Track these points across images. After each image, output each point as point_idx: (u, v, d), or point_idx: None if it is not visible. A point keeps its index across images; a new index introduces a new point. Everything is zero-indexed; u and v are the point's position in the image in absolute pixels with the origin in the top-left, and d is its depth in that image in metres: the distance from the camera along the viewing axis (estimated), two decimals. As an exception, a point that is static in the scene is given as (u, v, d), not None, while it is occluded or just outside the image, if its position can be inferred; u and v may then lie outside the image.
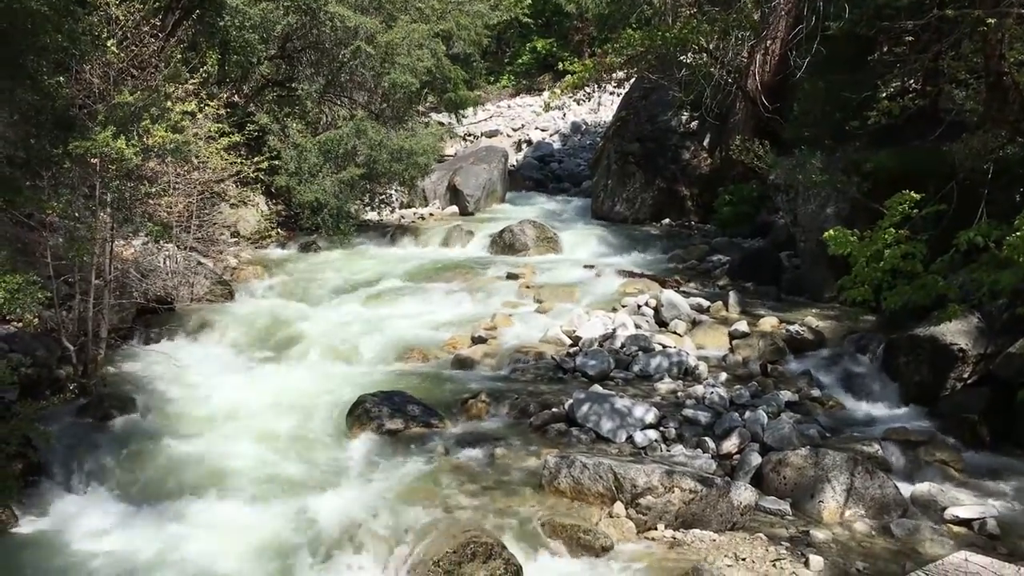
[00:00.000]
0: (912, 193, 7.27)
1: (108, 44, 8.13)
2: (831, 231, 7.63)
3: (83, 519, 6.33)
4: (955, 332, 8.31)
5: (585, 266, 13.53)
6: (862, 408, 8.60)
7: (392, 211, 17.68)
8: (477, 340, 9.99)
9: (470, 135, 27.44)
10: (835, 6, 11.73)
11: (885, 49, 10.38)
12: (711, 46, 15.48)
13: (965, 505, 6.47)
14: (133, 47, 8.65)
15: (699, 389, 8.52)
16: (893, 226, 7.24)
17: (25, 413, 5.96)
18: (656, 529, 6.11)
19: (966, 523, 6.30)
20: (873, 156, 10.52)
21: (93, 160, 7.78)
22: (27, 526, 6.21)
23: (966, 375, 8.31)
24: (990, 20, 7.86)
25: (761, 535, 6.04)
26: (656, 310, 10.66)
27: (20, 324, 8.52)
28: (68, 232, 8.32)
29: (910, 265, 7.06)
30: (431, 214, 18.99)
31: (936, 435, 7.64)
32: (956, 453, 7.38)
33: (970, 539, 6.10)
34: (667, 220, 17.63)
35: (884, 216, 7.37)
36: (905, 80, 11.82)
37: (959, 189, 8.09)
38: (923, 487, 6.72)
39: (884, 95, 10.76)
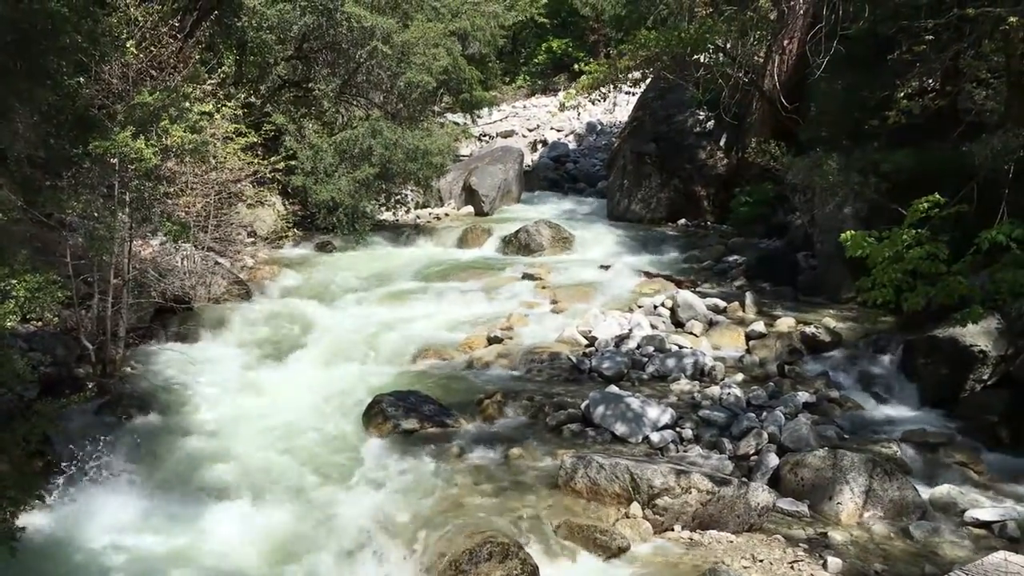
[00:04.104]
0: (936, 196, 7.22)
1: (127, 45, 8.18)
2: (847, 234, 7.60)
3: (102, 516, 6.38)
4: (975, 333, 8.25)
5: (601, 266, 13.51)
6: (880, 409, 8.53)
7: (407, 211, 17.68)
8: (493, 340, 9.99)
9: (485, 135, 27.46)
10: (854, 6, 11.67)
11: (904, 48, 10.30)
12: (728, 46, 15.43)
13: (985, 507, 6.42)
14: (152, 48, 8.69)
15: (715, 390, 8.49)
16: (912, 227, 7.19)
17: (45, 411, 5.98)
18: (673, 530, 6.10)
19: (986, 525, 6.25)
20: (891, 156, 10.45)
21: (112, 160, 7.83)
22: (46, 522, 6.24)
23: (986, 376, 8.25)
24: (1012, 19, 7.80)
25: (779, 536, 6.02)
26: (672, 310, 10.64)
27: (40, 323, 8.58)
28: (87, 232, 8.36)
29: (933, 266, 7.01)
30: (446, 214, 19.00)
31: (955, 437, 7.59)
32: (975, 455, 7.32)
33: (990, 541, 6.05)
34: (683, 220, 17.56)
35: (902, 216, 7.33)
36: (924, 80, 11.73)
37: (979, 189, 8.03)
38: (942, 489, 6.67)
39: (903, 95, 10.70)
